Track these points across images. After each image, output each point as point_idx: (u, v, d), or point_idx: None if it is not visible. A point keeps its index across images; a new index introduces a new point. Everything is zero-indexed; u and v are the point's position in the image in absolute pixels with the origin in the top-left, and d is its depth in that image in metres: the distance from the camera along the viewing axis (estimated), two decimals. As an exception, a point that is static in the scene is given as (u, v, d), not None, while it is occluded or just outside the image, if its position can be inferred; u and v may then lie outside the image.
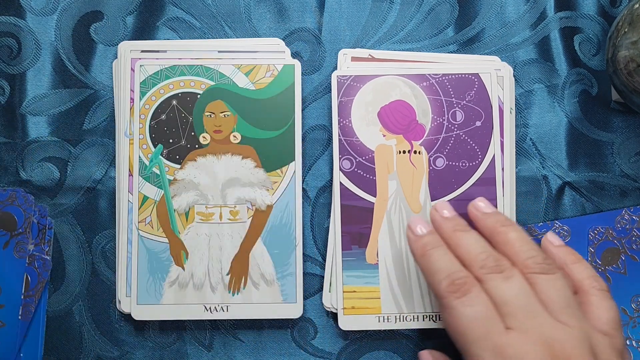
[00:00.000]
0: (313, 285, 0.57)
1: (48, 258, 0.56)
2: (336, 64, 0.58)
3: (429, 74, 0.56)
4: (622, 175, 0.58)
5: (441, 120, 0.55)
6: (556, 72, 0.59)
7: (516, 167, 0.57)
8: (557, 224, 0.57)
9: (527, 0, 0.59)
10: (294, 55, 0.58)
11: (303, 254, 0.56)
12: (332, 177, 0.56)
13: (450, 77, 0.56)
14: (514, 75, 0.58)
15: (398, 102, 0.56)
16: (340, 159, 0.55)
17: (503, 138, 0.56)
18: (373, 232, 0.55)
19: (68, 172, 0.57)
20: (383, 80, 0.56)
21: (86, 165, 0.57)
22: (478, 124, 0.55)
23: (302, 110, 0.57)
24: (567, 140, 0.58)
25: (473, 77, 0.56)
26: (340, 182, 0.55)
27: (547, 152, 0.58)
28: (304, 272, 0.56)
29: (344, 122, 0.55)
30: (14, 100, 0.58)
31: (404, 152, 0.55)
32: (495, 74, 0.56)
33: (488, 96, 0.55)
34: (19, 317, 0.55)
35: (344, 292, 0.54)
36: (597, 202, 0.58)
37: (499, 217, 0.50)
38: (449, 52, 0.58)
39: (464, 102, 0.55)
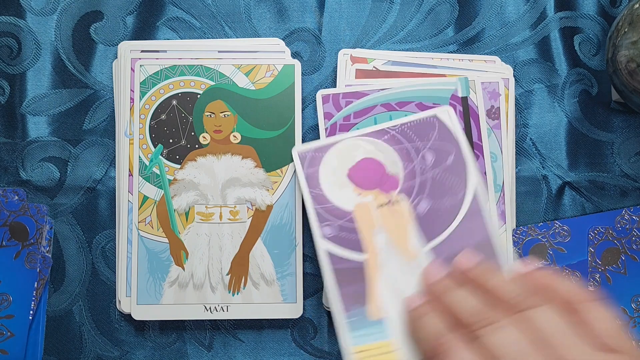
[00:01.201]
0: (313, 285, 0.57)
1: (48, 255, 0.56)
2: (336, 63, 0.58)
3: (387, 128, 0.54)
4: (622, 175, 0.58)
5: (412, 166, 0.54)
6: (556, 72, 0.59)
7: (516, 167, 0.57)
8: (557, 223, 0.57)
9: (527, 0, 0.59)
10: (294, 55, 0.58)
11: (303, 254, 0.56)
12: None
13: (409, 124, 0.54)
14: (514, 75, 0.58)
15: (364, 161, 0.54)
16: (320, 226, 0.53)
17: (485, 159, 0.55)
18: (370, 289, 0.52)
19: (68, 172, 0.57)
20: (343, 145, 0.54)
21: (86, 165, 0.57)
22: (450, 159, 0.54)
23: (302, 110, 0.57)
24: (567, 140, 0.58)
25: (431, 119, 0.54)
26: (327, 250, 0.52)
27: (547, 152, 0.58)
28: (304, 272, 0.56)
29: (315, 191, 0.53)
30: (14, 100, 0.58)
31: (383, 205, 0.54)
32: (453, 112, 0.55)
33: (451, 132, 0.54)
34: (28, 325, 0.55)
35: (355, 352, 0.51)
36: (597, 202, 0.58)
37: (479, 270, 0.50)
38: (449, 52, 0.58)
39: (430, 143, 0.54)
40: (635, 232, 0.56)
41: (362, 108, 0.56)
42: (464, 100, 0.56)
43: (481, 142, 0.56)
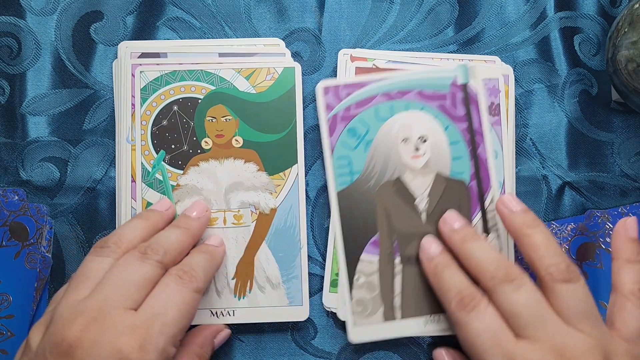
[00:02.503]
0: (313, 285, 0.57)
1: (48, 255, 0.56)
2: (336, 64, 0.58)
3: None
4: (622, 175, 0.58)
5: None
6: (556, 72, 0.59)
7: (516, 167, 0.58)
8: (554, 224, 0.57)
9: (527, 0, 0.59)
10: (294, 55, 0.58)
11: (308, 256, 0.56)
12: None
13: None
14: (514, 75, 0.58)
15: None
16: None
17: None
18: None
19: (68, 172, 0.57)
20: None
21: (86, 165, 0.57)
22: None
23: (302, 110, 0.57)
24: (567, 140, 0.58)
25: None
26: None
27: (547, 152, 0.58)
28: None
29: None
30: (14, 100, 0.57)
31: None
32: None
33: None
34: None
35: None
36: (597, 202, 0.58)
37: (526, 217, 0.49)
38: (449, 52, 0.58)
39: None
40: (608, 225, 0.56)
41: (363, 98, 0.56)
42: (464, 88, 0.56)
43: (482, 131, 0.56)
